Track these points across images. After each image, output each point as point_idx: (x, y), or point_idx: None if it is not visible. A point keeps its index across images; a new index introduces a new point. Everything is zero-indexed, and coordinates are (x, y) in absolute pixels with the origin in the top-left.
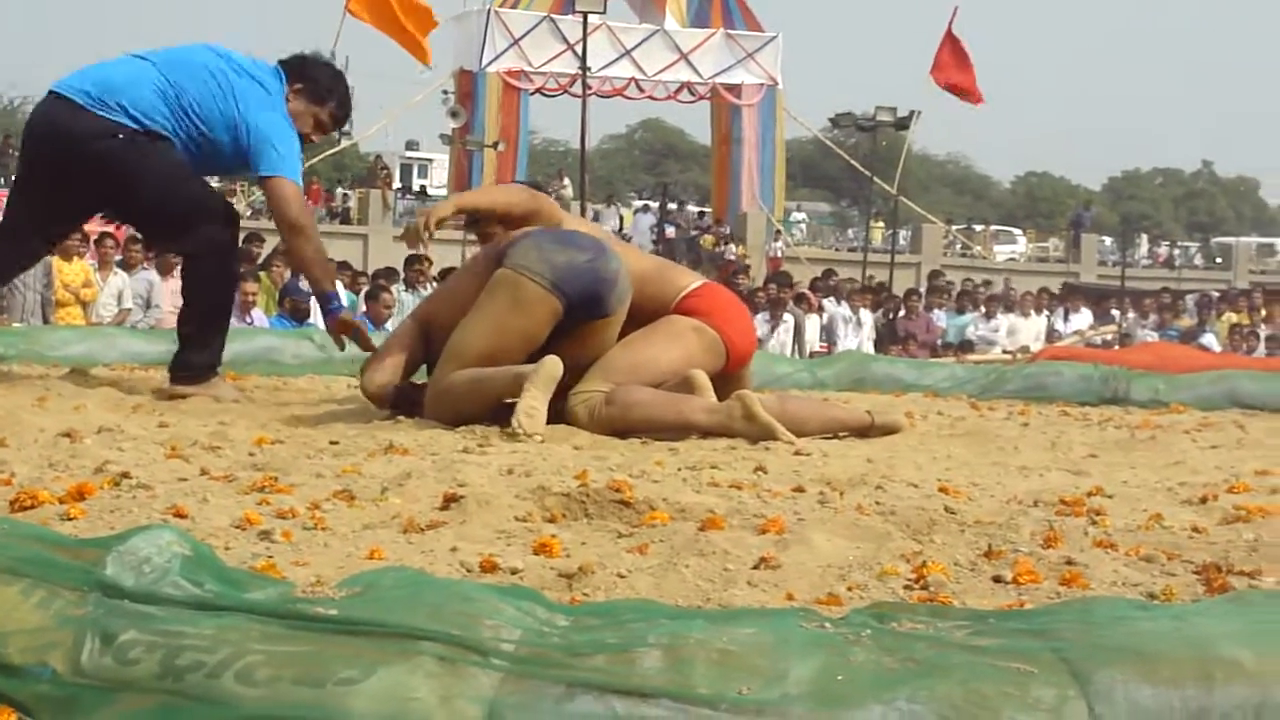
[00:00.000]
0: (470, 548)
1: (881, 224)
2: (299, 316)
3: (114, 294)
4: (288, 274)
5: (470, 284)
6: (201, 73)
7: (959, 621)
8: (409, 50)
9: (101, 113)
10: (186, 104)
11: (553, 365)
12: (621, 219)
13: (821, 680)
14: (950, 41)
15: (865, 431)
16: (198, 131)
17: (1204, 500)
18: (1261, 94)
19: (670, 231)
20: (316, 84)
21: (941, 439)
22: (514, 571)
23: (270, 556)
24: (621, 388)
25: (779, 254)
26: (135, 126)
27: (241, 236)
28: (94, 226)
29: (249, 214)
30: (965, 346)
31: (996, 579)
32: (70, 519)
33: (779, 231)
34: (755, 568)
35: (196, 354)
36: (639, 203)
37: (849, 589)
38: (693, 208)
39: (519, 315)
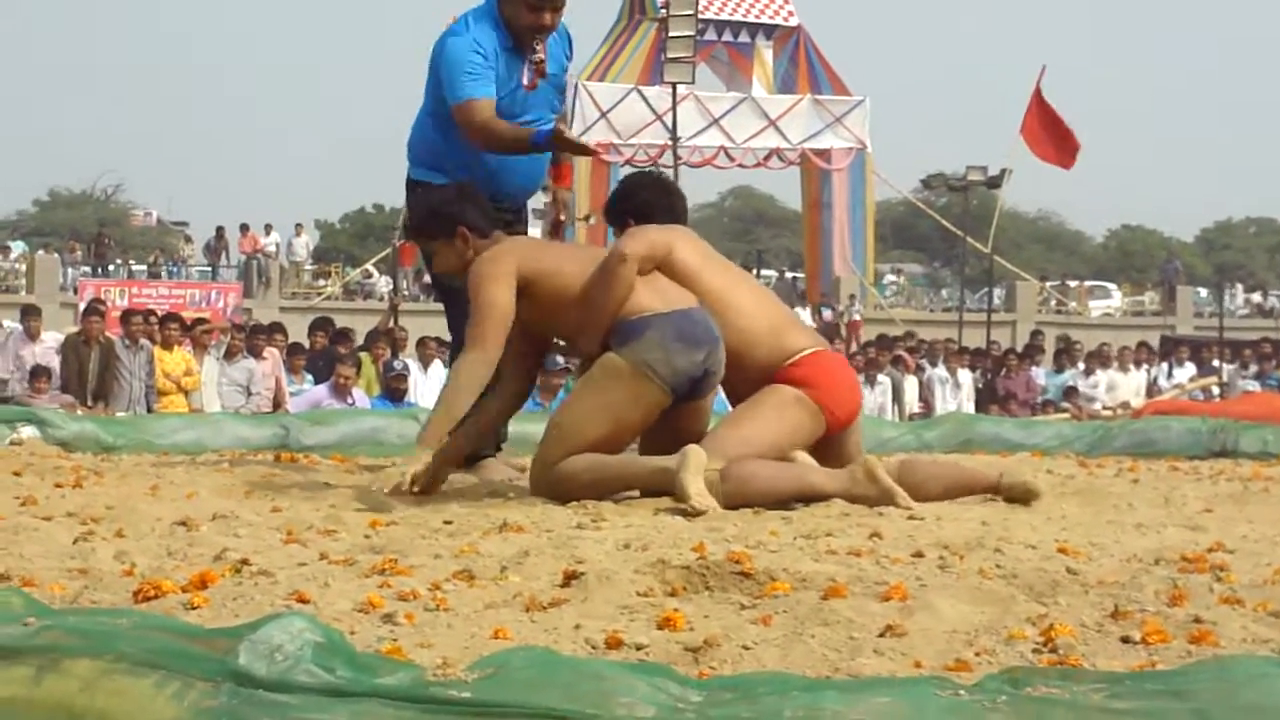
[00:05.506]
0: (594, 624)
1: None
2: (397, 397)
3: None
4: (388, 353)
5: (580, 263)
6: None
7: (1094, 684)
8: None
9: None
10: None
11: (697, 454)
12: None
13: None
14: (1039, 103)
15: (993, 493)
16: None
17: None
18: None
19: None
20: None
21: (1054, 498)
22: (639, 647)
23: (395, 639)
24: (735, 463)
25: (857, 317)
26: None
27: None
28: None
29: (341, 294)
30: (1071, 394)
31: (1125, 639)
32: (194, 608)
33: (853, 296)
34: (881, 635)
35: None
36: None
37: (977, 654)
38: (789, 274)
39: (635, 412)
